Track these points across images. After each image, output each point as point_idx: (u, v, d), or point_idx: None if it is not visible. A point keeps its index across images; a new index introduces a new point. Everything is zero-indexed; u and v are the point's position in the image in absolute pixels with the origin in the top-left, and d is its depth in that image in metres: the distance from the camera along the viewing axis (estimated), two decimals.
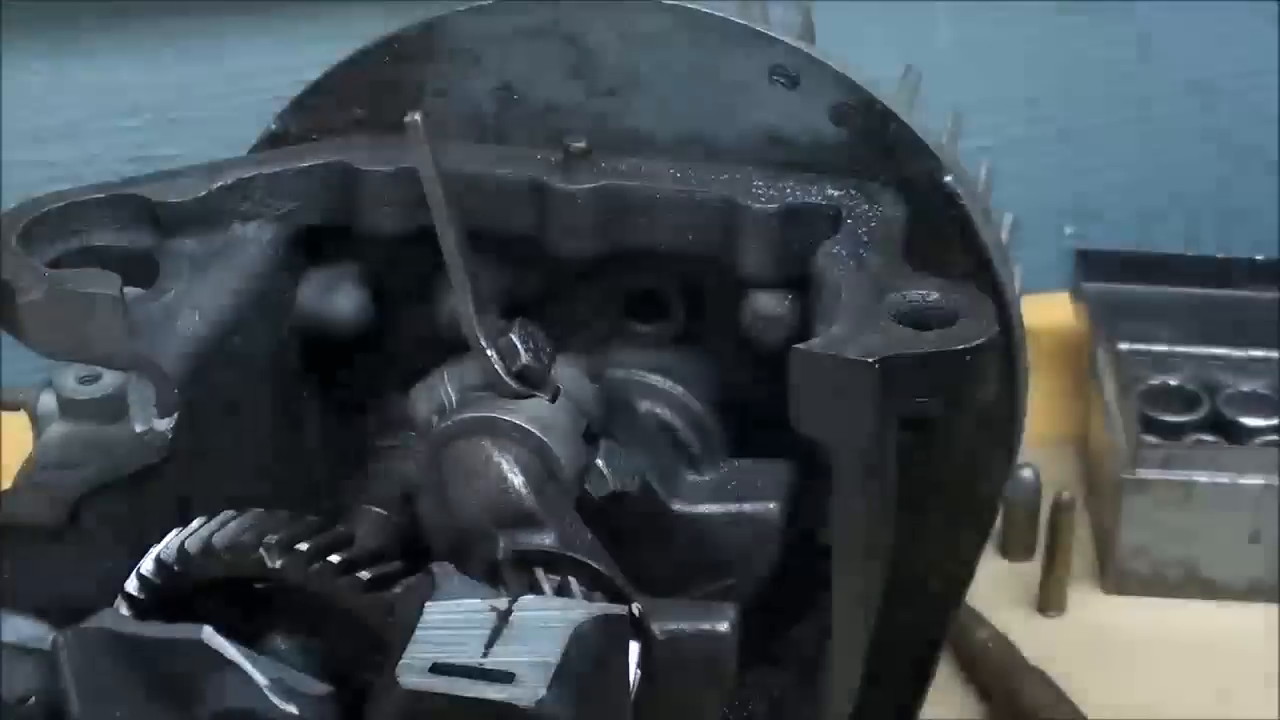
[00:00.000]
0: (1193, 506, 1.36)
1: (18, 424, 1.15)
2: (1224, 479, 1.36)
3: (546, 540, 0.85)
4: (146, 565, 0.84)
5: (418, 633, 0.77)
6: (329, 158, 0.96)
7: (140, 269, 0.92)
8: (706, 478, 0.97)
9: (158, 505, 0.87)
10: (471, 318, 0.88)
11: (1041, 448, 1.51)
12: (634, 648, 0.81)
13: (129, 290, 0.86)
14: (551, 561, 0.83)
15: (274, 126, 1.02)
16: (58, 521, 0.86)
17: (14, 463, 0.98)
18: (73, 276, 0.85)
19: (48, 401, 1.05)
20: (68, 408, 1.01)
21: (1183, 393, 1.51)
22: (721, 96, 0.97)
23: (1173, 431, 1.47)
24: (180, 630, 0.81)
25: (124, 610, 0.84)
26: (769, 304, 0.95)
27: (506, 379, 0.88)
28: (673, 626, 0.84)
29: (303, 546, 0.82)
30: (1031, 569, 1.40)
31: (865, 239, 0.90)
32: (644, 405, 0.98)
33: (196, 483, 0.89)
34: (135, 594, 0.84)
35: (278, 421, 0.97)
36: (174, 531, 0.85)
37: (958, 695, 1.30)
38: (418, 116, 0.84)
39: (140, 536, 0.87)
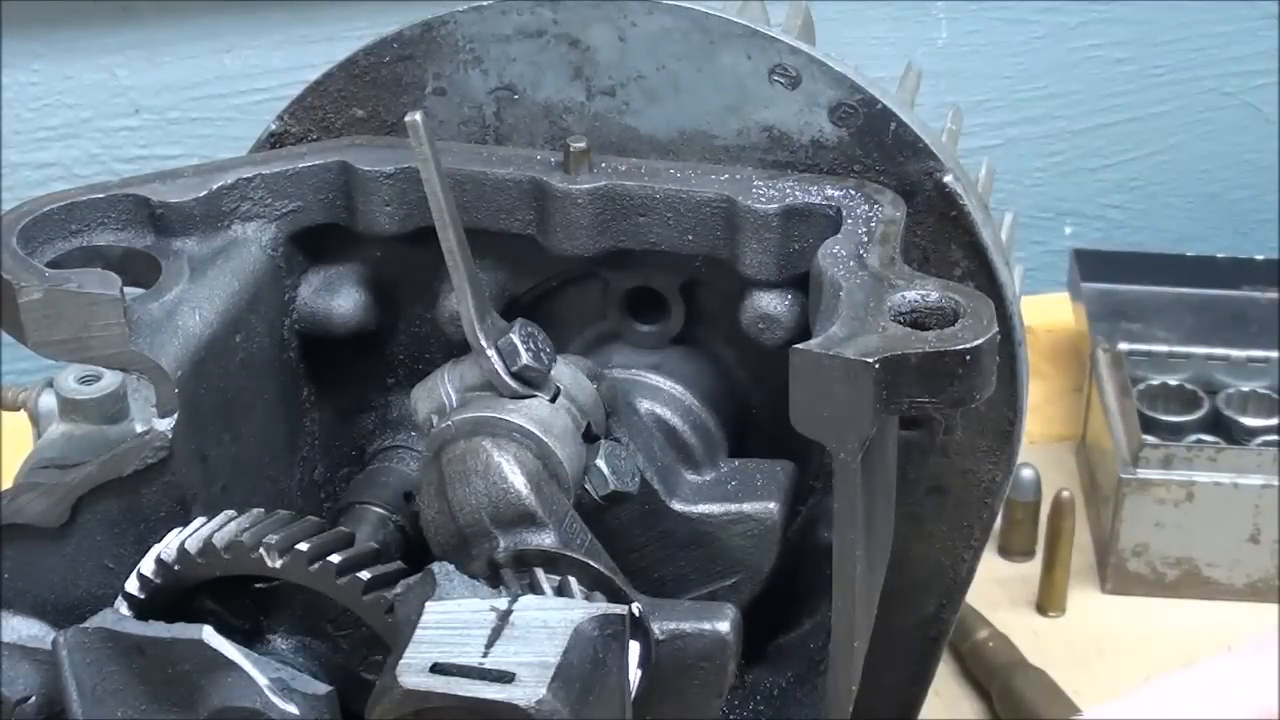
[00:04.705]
0: (1193, 506, 1.36)
1: (18, 424, 1.15)
2: (1224, 479, 1.35)
3: (546, 540, 0.85)
4: (146, 565, 0.84)
5: (418, 633, 0.77)
6: (329, 158, 0.96)
7: (140, 269, 0.92)
8: (706, 478, 0.97)
9: (158, 505, 0.87)
10: (471, 318, 0.88)
11: (1041, 447, 1.52)
12: (634, 648, 0.81)
13: (129, 290, 0.86)
14: (551, 561, 0.83)
15: (274, 126, 1.02)
16: (58, 521, 0.86)
17: (14, 463, 0.98)
18: (73, 276, 0.85)
19: (48, 401, 1.05)
20: (68, 408, 1.01)
21: (1183, 393, 1.51)
22: (721, 96, 0.97)
23: (1173, 431, 1.47)
24: (180, 630, 0.81)
25: (124, 610, 0.84)
26: (769, 304, 0.95)
27: (506, 379, 0.88)
28: (673, 626, 0.84)
29: (303, 546, 0.82)
30: (1031, 569, 1.40)
31: (865, 239, 0.90)
32: (644, 405, 0.98)
33: (196, 483, 0.89)
34: (135, 594, 0.84)
35: (277, 422, 0.97)
36: (174, 531, 0.85)
37: (958, 695, 1.30)
38: (418, 116, 0.84)
39: (140, 536, 0.87)
